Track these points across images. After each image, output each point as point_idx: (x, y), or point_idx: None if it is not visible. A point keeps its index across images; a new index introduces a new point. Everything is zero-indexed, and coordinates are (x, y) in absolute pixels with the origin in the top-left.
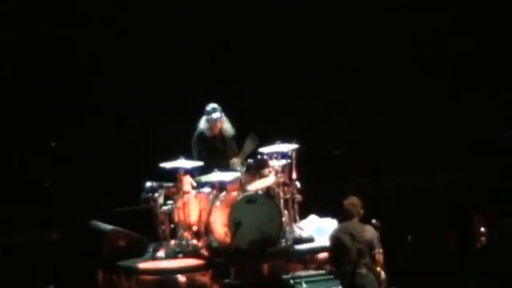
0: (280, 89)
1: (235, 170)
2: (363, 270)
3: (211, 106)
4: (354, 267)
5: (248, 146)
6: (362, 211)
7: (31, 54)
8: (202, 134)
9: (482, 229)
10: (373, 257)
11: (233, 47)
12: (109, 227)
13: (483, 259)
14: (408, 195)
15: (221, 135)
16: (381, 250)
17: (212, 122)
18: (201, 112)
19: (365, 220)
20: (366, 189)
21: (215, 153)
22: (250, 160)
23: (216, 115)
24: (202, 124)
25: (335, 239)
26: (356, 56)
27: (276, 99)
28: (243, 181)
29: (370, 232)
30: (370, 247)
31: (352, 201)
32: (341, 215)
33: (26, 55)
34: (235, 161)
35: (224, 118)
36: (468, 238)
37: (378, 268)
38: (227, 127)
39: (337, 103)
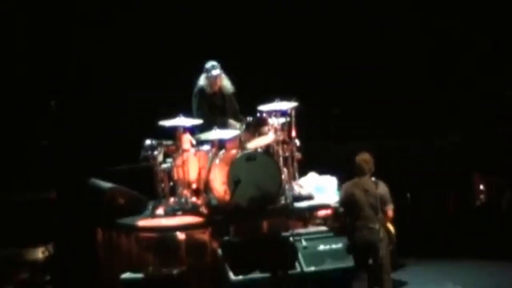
0: (280, 47)
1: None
2: (376, 225)
3: (210, 63)
4: (367, 222)
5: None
6: (373, 168)
7: (35, 14)
8: (202, 90)
9: (481, 187)
10: (385, 213)
11: (233, 4)
12: (108, 185)
13: (482, 217)
14: (408, 154)
15: (220, 92)
16: (392, 206)
17: (211, 79)
18: (199, 70)
19: None
20: (365, 148)
21: (215, 109)
22: (250, 118)
23: (215, 72)
24: (202, 81)
25: (349, 194)
26: (356, 14)
27: (276, 56)
28: (242, 139)
29: (382, 187)
30: (383, 202)
31: (364, 157)
32: (352, 171)
33: (29, 15)
34: (233, 122)
35: (224, 75)
36: (468, 198)
37: (389, 224)
38: (226, 84)
39: (336, 61)
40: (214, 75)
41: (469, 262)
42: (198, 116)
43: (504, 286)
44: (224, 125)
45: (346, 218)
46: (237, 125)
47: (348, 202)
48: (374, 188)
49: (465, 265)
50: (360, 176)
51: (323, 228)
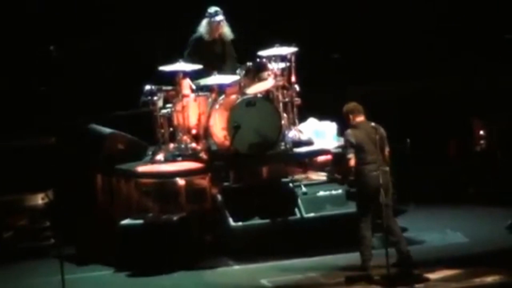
0: None
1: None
2: (385, 168)
3: (213, 8)
4: (375, 166)
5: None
6: (363, 110)
7: None
8: (200, 38)
9: (481, 132)
10: (384, 155)
11: None
12: (108, 130)
13: (482, 162)
14: (407, 99)
15: (220, 39)
16: (389, 149)
17: (214, 25)
18: (200, 16)
19: None
20: (365, 93)
21: (213, 56)
22: (249, 63)
23: (218, 17)
24: (203, 27)
25: (355, 138)
26: None
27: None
28: (242, 84)
29: (382, 130)
30: (383, 145)
31: (352, 104)
32: (343, 119)
33: None
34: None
35: (225, 22)
36: (468, 144)
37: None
38: (227, 31)
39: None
40: (217, 21)
41: (469, 208)
42: (186, 61)
43: (504, 232)
44: (221, 72)
45: (356, 163)
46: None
47: (355, 146)
48: (375, 131)
49: (465, 211)
50: (358, 121)
51: (323, 173)
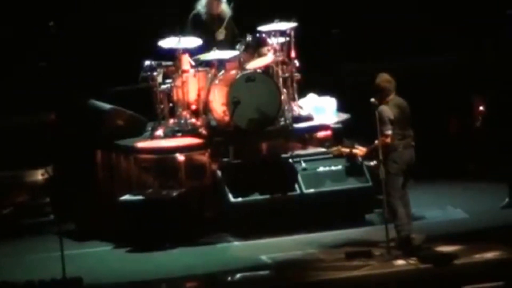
0: None
1: (222, 41)
2: (413, 143)
3: None
4: (410, 140)
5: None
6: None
7: None
8: (197, 15)
9: (481, 108)
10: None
11: None
12: (107, 106)
13: (482, 137)
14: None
15: (219, 16)
16: None
17: (213, 2)
18: None
19: (365, 100)
20: (364, 70)
21: (211, 34)
22: (249, 39)
23: None
24: (201, 5)
25: (392, 113)
26: None
27: None
28: (241, 59)
29: (407, 104)
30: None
31: (385, 78)
32: (375, 93)
33: None
34: (220, 31)
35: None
36: (468, 121)
37: None
38: (225, 8)
39: None
40: None
41: (469, 184)
42: None
43: (504, 209)
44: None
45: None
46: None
47: (393, 122)
48: (406, 105)
49: (465, 187)
50: (388, 96)
51: (323, 149)
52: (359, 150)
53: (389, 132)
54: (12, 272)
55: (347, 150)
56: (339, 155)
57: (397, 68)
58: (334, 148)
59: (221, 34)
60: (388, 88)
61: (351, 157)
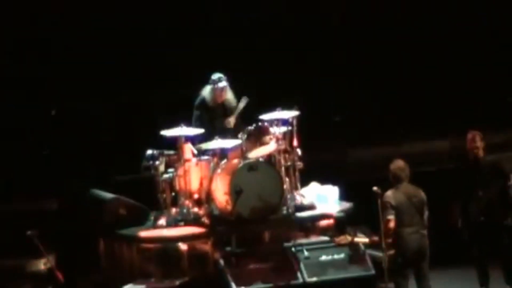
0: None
1: (230, 129)
2: (425, 231)
3: (217, 75)
4: (418, 228)
5: (241, 105)
6: (409, 174)
7: None
8: (204, 101)
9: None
10: (423, 219)
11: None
12: (110, 195)
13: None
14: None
15: (223, 105)
16: (427, 213)
17: (217, 91)
18: (199, 79)
19: (366, 188)
20: (366, 156)
21: (216, 122)
22: (251, 127)
23: (222, 84)
24: (206, 93)
25: (397, 201)
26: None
27: (275, 65)
28: (244, 148)
29: (422, 192)
30: (424, 208)
31: (399, 165)
32: (388, 180)
33: None
34: (230, 120)
35: (228, 89)
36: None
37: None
38: (230, 97)
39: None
40: (221, 87)
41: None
42: (197, 126)
43: None
44: (224, 133)
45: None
46: (233, 120)
47: (394, 208)
48: (417, 193)
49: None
50: (399, 183)
51: (325, 238)
52: (370, 239)
53: (390, 217)
54: None
55: (357, 240)
56: (346, 244)
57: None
58: (341, 237)
59: (230, 122)
60: (398, 175)
61: (356, 245)
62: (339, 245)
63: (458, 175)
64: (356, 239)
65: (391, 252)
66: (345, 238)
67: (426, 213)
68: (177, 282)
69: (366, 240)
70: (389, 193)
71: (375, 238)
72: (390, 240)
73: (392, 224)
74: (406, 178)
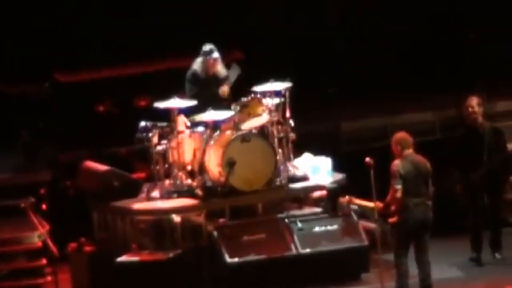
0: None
1: (224, 98)
2: (430, 202)
3: (208, 46)
4: (424, 199)
5: (232, 75)
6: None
7: None
8: (194, 74)
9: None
10: (428, 189)
11: None
12: (103, 167)
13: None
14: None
15: (215, 76)
16: (431, 186)
17: (210, 63)
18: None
19: (359, 159)
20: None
21: (208, 93)
22: (244, 99)
23: (214, 55)
24: (197, 64)
25: (405, 171)
26: None
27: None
28: (236, 120)
29: (428, 163)
30: (429, 179)
31: (402, 135)
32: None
33: None
34: (225, 89)
35: (220, 60)
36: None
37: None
38: (220, 69)
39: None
40: (213, 58)
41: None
42: (191, 98)
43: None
44: (216, 102)
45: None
46: (227, 89)
47: (403, 178)
48: (424, 163)
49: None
50: (406, 153)
51: (318, 209)
52: (375, 204)
53: (397, 186)
54: None
55: (361, 202)
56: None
57: (396, 125)
58: (347, 198)
59: (225, 91)
60: (403, 144)
61: (363, 212)
62: (344, 205)
63: (451, 143)
64: (362, 202)
65: (394, 219)
66: (350, 199)
67: (430, 186)
68: (171, 254)
69: (372, 204)
70: (397, 162)
71: (380, 204)
72: (393, 208)
73: (399, 194)
74: (411, 146)
